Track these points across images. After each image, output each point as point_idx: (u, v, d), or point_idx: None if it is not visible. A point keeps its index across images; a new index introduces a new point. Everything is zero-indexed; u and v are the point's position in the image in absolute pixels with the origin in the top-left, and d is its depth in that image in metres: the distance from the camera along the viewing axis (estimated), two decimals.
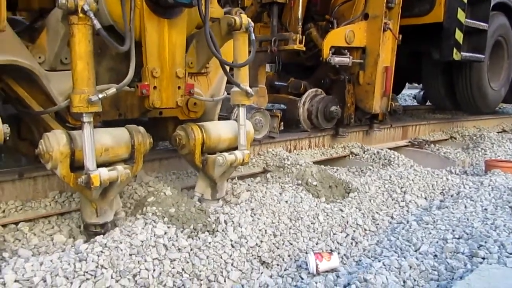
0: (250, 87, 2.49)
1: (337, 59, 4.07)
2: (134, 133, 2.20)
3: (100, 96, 1.89)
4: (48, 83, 2.11)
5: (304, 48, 3.95)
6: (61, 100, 2.10)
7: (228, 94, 2.59)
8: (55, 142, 1.92)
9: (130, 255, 1.86)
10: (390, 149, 4.53)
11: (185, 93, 2.38)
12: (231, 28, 2.32)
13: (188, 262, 1.93)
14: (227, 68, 2.54)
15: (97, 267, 1.75)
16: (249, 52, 2.39)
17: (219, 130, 2.59)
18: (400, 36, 4.42)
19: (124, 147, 2.15)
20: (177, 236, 2.06)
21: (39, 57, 2.18)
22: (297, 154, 3.84)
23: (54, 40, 2.18)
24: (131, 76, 2.03)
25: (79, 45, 1.84)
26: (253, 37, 2.35)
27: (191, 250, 2.01)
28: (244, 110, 2.51)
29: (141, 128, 2.26)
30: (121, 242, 1.91)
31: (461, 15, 5.07)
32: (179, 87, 2.33)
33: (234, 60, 2.41)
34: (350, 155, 4.27)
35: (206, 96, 2.78)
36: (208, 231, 2.21)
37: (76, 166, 1.99)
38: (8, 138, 1.81)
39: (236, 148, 2.54)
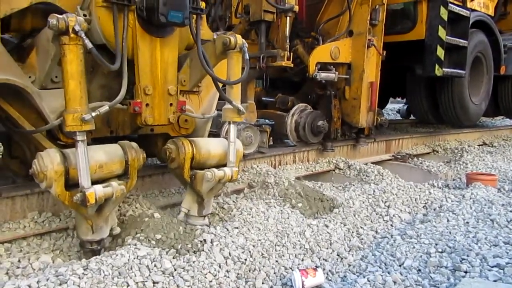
0: (241, 103, 2.52)
1: (323, 75, 4.15)
2: (127, 148, 2.22)
3: (93, 114, 1.91)
4: (41, 101, 2.12)
5: (292, 65, 4.01)
6: (53, 118, 2.11)
7: (219, 110, 2.60)
8: (48, 161, 1.92)
9: (113, 277, 1.82)
10: (375, 163, 4.60)
11: (177, 110, 2.41)
12: (226, 47, 2.36)
13: (172, 284, 1.89)
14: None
15: None
16: (243, 70, 2.43)
17: (209, 146, 2.61)
18: (385, 52, 4.54)
19: (118, 163, 2.17)
20: (161, 257, 2.03)
21: (30, 76, 2.18)
22: (282, 170, 3.84)
23: (45, 59, 2.18)
24: (123, 94, 2.05)
25: (71, 65, 1.86)
26: (247, 56, 2.40)
27: (175, 270, 1.98)
28: (235, 127, 2.53)
29: (134, 144, 2.28)
30: (103, 264, 1.88)
31: (442, 32, 5.23)
32: (171, 104, 2.36)
33: (227, 78, 2.45)
34: (335, 170, 4.31)
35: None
36: (194, 251, 2.20)
37: (71, 184, 2.00)
38: (1, 156, 1.78)
39: (225, 166, 2.55)
